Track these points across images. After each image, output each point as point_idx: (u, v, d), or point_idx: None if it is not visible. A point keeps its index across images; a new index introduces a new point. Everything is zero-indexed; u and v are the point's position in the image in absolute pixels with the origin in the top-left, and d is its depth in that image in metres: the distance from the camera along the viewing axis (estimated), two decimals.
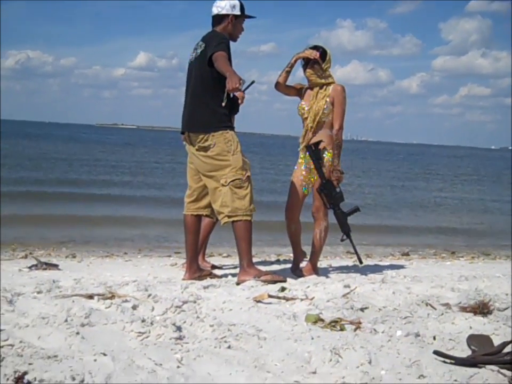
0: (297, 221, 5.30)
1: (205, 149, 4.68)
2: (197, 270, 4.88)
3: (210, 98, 4.61)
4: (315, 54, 5.11)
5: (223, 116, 4.65)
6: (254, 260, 4.95)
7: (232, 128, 4.73)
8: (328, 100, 5.13)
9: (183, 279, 4.72)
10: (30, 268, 5.27)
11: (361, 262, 5.46)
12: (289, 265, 5.74)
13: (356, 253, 5.34)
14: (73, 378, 2.28)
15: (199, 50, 4.69)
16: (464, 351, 3.01)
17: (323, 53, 5.16)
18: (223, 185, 4.64)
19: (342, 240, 5.30)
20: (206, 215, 4.97)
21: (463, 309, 3.79)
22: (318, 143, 5.11)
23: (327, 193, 5.11)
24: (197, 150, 4.73)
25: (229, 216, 4.64)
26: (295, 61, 5.21)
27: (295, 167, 5.30)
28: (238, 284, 4.53)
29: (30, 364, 2.42)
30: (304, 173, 5.22)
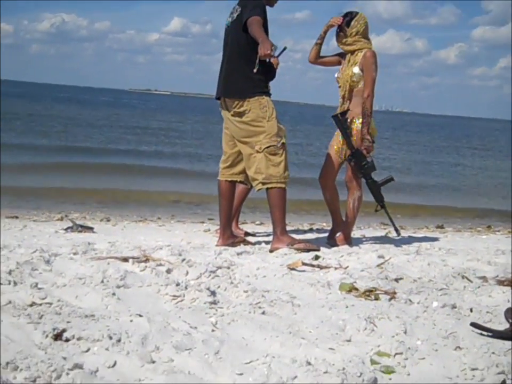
0: (332, 188, 5.25)
1: (240, 114, 4.65)
2: (230, 237, 4.89)
3: (245, 64, 4.55)
4: (338, 21, 5.01)
5: (258, 81, 4.60)
6: (288, 228, 4.94)
7: (268, 94, 4.67)
8: (357, 66, 5.03)
9: (217, 245, 4.73)
10: (66, 230, 5.35)
11: (398, 233, 5.36)
12: (322, 235, 5.73)
13: (393, 223, 5.28)
14: (110, 337, 2.31)
15: (235, 15, 4.63)
16: (501, 324, 2.96)
17: (351, 19, 5.04)
18: (257, 151, 4.62)
19: (376, 210, 5.24)
20: (240, 181, 4.96)
21: (500, 282, 3.73)
22: (345, 112, 5.04)
23: (356, 162, 5.04)
24: (232, 115, 4.71)
25: (263, 183, 4.64)
26: (325, 32, 5.13)
27: (334, 134, 5.24)
28: (271, 251, 4.53)
29: (68, 322, 2.44)
30: (340, 139, 5.16)
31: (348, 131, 5.03)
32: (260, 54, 4.22)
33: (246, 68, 4.53)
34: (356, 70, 5.04)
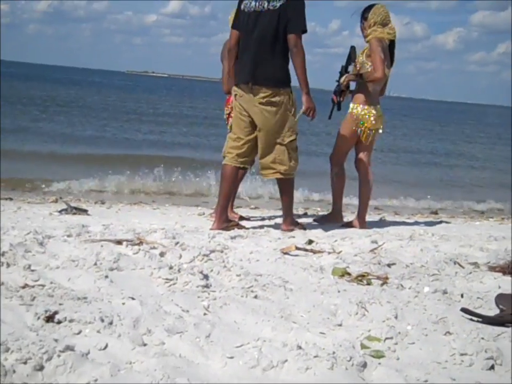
0: (341, 167, 5.44)
1: (272, 104, 4.65)
2: (225, 221, 4.90)
3: (282, 55, 4.61)
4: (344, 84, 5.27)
5: (289, 75, 4.72)
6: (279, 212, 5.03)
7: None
8: (364, 55, 5.25)
9: (211, 229, 4.74)
10: (60, 212, 5.33)
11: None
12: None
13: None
14: (102, 320, 2.32)
15: (277, 4, 4.52)
16: (492, 310, 2.98)
17: (365, 10, 5.28)
18: (280, 143, 4.72)
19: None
20: (244, 168, 5.02)
21: (492, 269, 3.75)
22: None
23: (336, 91, 5.28)
24: (261, 103, 4.65)
25: (284, 175, 4.80)
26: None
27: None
28: (284, 231, 4.83)
29: (60, 304, 2.46)
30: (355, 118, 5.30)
31: (351, 62, 5.24)
32: (304, 111, 4.73)
33: (282, 59, 4.62)
34: (362, 58, 5.25)
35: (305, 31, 4.59)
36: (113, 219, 4.99)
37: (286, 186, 4.92)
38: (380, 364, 2.29)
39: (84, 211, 5.47)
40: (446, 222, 6.47)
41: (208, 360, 2.19)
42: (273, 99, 4.63)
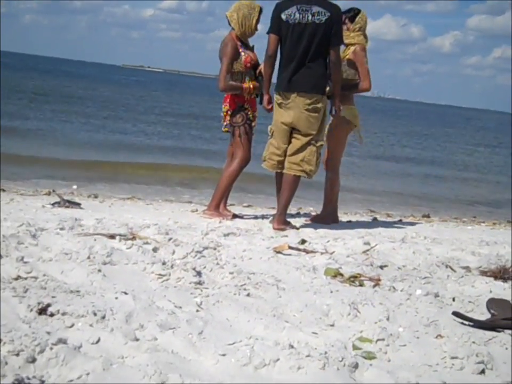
0: (337, 171, 5.55)
1: (316, 110, 4.95)
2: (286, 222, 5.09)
3: (323, 65, 4.94)
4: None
5: (327, 83, 5.04)
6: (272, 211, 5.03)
7: None
8: (345, 61, 5.27)
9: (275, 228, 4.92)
10: (53, 204, 5.31)
11: None
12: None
13: None
14: (95, 314, 2.31)
15: (323, 18, 4.82)
16: (483, 314, 3.00)
17: (355, 15, 5.33)
18: (313, 144, 4.99)
19: None
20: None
21: (484, 273, 3.77)
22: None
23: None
24: (307, 109, 4.92)
25: (308, 174, 5.03)
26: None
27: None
28: (275, 229, 4.90)
29: (53, 296, 2.45)
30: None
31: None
32: (332, 111, 5.17)
33: (323, 67, 4.96)
34: (344, 64, 5.25)
35: (343, 44, 5.05)
36: (106, 213, 4.97)
37: (293, 186, 5.05)
38: (371, 365, 2.30)
39: (77, 204, 5.44)
40: (438, 226, 6.50)
41: (200, 357, 2.19)
42: (318, 105, 4.95)
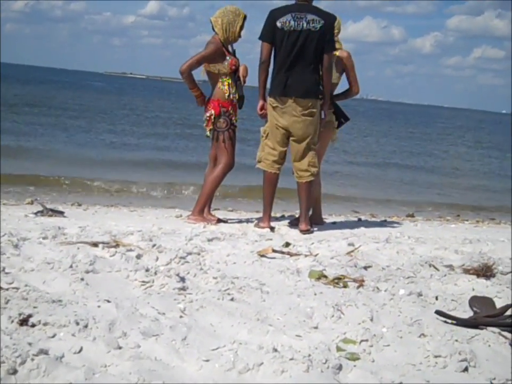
0: (319, 174, 5.54)
1: (312, 114, 5.09)
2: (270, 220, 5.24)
3: (317, 70, 5.08)
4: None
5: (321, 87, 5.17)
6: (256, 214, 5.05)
7: None
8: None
9: (264, 227, 5.08)
10: (35, 213, 5.28)
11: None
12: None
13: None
14: (77, 323, 2.30)
15: (317, 25, 4.96)
16: (466, 312, 3.02)
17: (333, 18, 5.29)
18: (312, 148, 5.15)
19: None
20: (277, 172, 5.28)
21: (466, 271, 3.80)
22: None
23: None
24: (303, 114, 5.06)
25: (314, 176, 5.20)
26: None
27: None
28: (304, 232, 5.08)
29: (34, 307, 2.43)
30: None
31: None
32: (323, 109, 5.20)
33: (317, 73, 5.10)
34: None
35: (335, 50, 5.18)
36: (90, 221, 4.95)
37: (309, 191, 5.23)
38: (355, 366, 2.31)
39: (60, 213, 5.41)
40: (422, 225, 6.53)
41: (184, 363, 2.18)
42: (313, 109, 5.09)
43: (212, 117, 5.27)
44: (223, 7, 5.33)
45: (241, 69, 5.27)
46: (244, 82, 5.34)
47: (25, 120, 17.62)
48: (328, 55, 5.06)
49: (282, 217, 6.31)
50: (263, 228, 5.14)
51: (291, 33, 4.97)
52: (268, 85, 5.20)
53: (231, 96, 5.26)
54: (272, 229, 5.17)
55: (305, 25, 4.96)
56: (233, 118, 5.31)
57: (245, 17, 5.28)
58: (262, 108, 5.21)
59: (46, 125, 17.24)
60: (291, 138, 5.15)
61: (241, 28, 5.27)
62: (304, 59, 5.01)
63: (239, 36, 5.30)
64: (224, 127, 5.27)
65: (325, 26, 4.98)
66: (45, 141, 13.80)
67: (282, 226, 5.37)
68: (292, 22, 4.97)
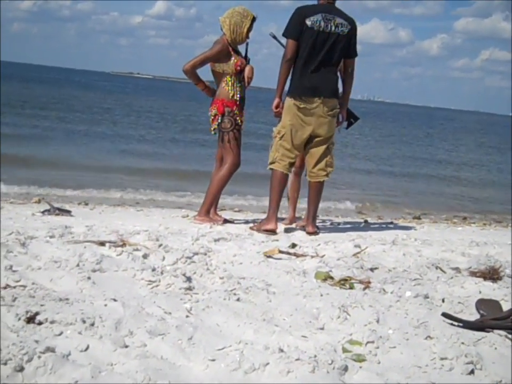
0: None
1: (335, 114, 5.17)
2: (277, 221, 5.16)
3: (337, 72, 5.17)
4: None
5: None
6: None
7: None
8: None
9: (270, 230, 4.98)
10: (43, 212, 5.30)
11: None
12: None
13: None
14: (84, 321, 2.31)
15: (345, 30, 5.02)
16: (472, 315, 3.01)
17: None
18: (330, 148, 5.20)
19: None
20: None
21: (473, 274, 3.78)
22: None
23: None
24: (329, 115, 5.11)
25: (328, 176, 5.22)
26: None
27: None
28: (311, 234, 5.08)
29: (41, 305, 2.44)
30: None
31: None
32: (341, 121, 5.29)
33: (336, 74, 5.18)
34: None
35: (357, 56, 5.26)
36: (97, 220, 4.96)
37: (321, 191, 5.27)
38: (361, 367, 2.30)
39: (67, 212, 5.43)
40: (429, 227, 6.52)
41: (190, 363, 2.19)
42: (337, 109, 5.17)
43: (217, 117, 5.27)
44: (232, 8, 5.33)
45: (246, 69, 5.27)
46: (248, 83, 5.32)
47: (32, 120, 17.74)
48: (352, 60, 5.16)
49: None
50: (271, 230, 4.98)
51: (320, 34, 4.97)
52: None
53: (236, 96, 5.26)
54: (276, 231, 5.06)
55: (333, 28, 4.99)
56: (238, 118, 5.31)
57: (253, 19, 5.27)
58: (278, 106, 5.16)
59: (54, 127, 17.33)
60: (316, 139, 5.11)
61: (249, 29, 5.27)
62: (331, 61, 5.05)
63: (247, 37, 5.30)
64: (229, 127, 5.27)
65: (351, 31, 5.05)
66: (52, 143, 13.87)
67: (288, 227, 5.36)
68: (322, 23, 4.96)
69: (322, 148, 5.14)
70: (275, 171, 5.14)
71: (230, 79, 5.25)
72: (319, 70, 5.03)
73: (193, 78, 5.34)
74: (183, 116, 26.61)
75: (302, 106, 5.05)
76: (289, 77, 5.09)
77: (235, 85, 5.25)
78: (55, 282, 2.87)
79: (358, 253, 4.17)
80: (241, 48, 5.35)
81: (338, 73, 5.24)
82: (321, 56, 5.00)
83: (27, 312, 2.30)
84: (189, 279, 3.11)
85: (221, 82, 5.28)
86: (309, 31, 4.95)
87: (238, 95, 5.26)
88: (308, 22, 4.94)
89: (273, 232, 4.97)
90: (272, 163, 5.16)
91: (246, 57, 5.34)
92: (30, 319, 2.27)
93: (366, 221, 6.71)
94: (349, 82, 5.23)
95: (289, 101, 5.10)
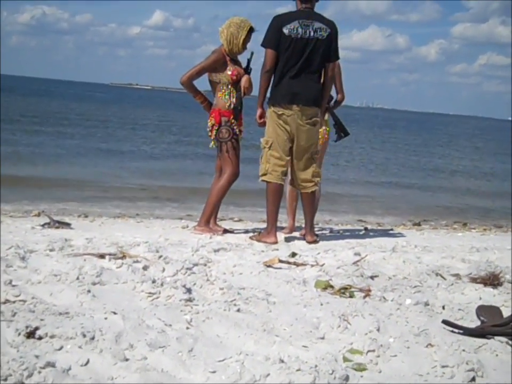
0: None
1: (314, 122, 5.10)
2: (275, 234, 5.10)
3: (320, 78, 5.09)
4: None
5: None
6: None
7: None
8: None
9: (274, 242, 4.94)
10: (42, 225, 5.30)
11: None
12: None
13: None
14: (84, 335, 2.31)
15: (324, 34, 4.96)
16: (473, 322, 3.00)
17: None
18: (314, 157, 5.16)
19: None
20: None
21: (473, 280, 3.78)
22: None
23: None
24: (307, 123, 5.05)
25: (317, 185, 5.21)
26: None
27: None
28: (310, 242, 5.08)
29: (41, 319, 2.44)
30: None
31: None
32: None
33: (319, 81, 5.11)
34: None
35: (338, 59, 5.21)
36: (97, 232, 4.97)
37: (314, 200, 5.26)
38: (362, 376, 2.30)
39: (67, 225, 5.43)
40: (429, 234, 6.52)
41: (191, 375, 2.18)
42: (317, 118, 5.11)
43: (215, 127, 5.28)
44: (231, 18, 5.34)
45: (243, 80, 5.28)
46: (244, 93, 5.31)
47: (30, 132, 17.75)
48: (333, 64, 5.08)
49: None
50: (272, 243, 4.91)
51: (298, 41, 4.92)
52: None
53: (232, 105, 5.27)
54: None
55: (312, 33, 4.94)
56: (236, 128, 5.31)
57: (250, 29, 5.28)
58: (261, 116, 5.15)
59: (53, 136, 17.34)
60: (294, 147, 5.05)
61: (246, 40, 5.27)
62: (310, 67, 4.99)
63: (244, 48, 5.31)
64: (227, 137, 5.27)
65: (331, 35, 4.98)
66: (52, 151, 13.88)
67: (288, 236, 5.36)
68: (300, 30, 4.92)
69: (305, 157, 5.10)
70: (269, 183, 5.08)
71: (226, 88, 5.27)
72: (299, 76, 4.98)
73: (191, 90, 5.36)
74: (192, 129, 26.62)
75: (280, 113, 5.03)
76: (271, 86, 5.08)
77: (231, 95, 5.27)
78: (55, 296, 2.87)
79: (358, 261, 4.17)
80: (243, 59, 5.37)
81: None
82: (300, 63, 4.95)
83: (27, 327, 2.30)
84: (189, 291, 3.11)
85: (218, 92, 5.30)
86: (287, 39, 4.92)
87: (234, 105, 5.27)
88: (285, 30, 4.92)
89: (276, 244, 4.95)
90: (264, 175, 5.10)
91: (247, 67, 5.34)
92: (30, 334, 2.27)
93: (365, 228, 6.71)
94: (328, 87, 5.17)
95: (269, 109, 5.10)
